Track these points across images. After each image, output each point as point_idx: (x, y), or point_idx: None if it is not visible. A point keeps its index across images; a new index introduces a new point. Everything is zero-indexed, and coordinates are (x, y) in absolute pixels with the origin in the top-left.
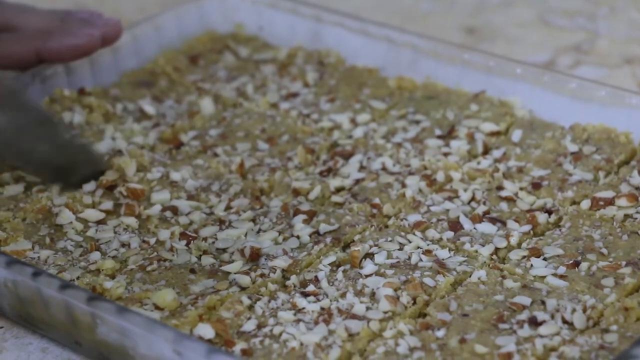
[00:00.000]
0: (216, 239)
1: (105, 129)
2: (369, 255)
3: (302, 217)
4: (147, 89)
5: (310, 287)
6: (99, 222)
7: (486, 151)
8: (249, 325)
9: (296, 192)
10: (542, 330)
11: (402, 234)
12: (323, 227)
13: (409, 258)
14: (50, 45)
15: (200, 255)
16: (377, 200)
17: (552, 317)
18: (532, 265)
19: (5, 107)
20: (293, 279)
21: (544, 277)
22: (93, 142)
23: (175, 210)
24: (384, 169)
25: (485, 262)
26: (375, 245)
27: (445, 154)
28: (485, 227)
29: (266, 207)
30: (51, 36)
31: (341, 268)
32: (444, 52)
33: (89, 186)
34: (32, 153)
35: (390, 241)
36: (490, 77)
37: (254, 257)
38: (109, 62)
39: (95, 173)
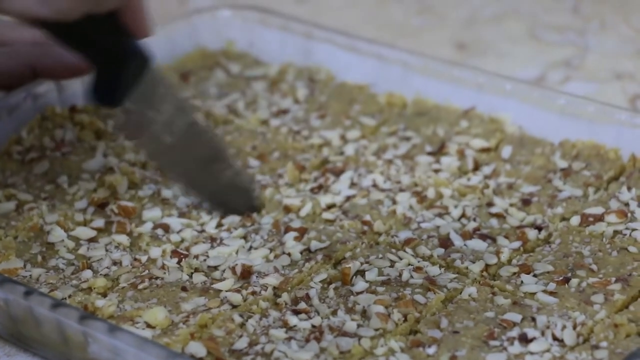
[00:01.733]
0: (207, 256)
1: (97, 146)
2: (360, 273)
3: (293, 234)
4: None
5: (302, 305)
6: (91, 240)
7: (476, 167)
8: (241, 343)
9: (287, 209)
10: (532, 347)
11: (393, 250)
12: (314, 244)
13: (400, 275)
14: (46, 61)
15: (192, 273)
16: (368, 217)
17: (543, 333)
18: (522, 281)
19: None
20: (284, 297)
21: (534, 293)
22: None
23: (166, 228)
24: (374, 185)
25: (475, 279)
26: (366, 262)
27: (436, 171)
28: (476, 244)
29: (257, 224)
30: (47, 53)
31: (332, 285)
32: (434, 69)
33: (81, 204)
34: (196, 182)
35: (381, 258)
36: (480, 93)
37: (245, 274)
38: None
39: (248, 209)
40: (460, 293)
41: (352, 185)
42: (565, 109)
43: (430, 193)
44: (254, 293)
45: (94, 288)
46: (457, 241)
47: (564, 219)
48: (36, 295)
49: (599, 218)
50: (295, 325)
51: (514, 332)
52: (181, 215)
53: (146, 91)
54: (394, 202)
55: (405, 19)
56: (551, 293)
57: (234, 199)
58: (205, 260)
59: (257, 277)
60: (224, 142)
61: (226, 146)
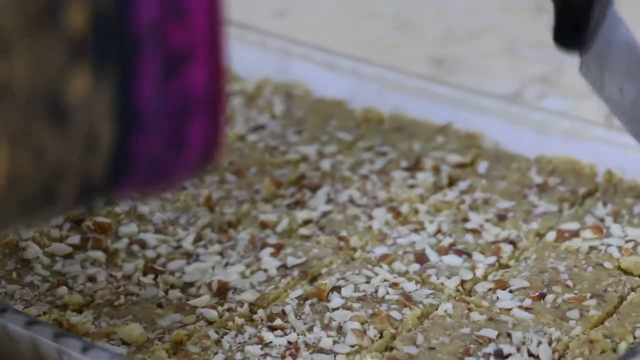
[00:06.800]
0: (183, 272)
1: None
2: (336, 289)
3: (269, 250)
4: None
5: (278, 321)
6: (66, 257)
7: (452, 183)
8: None
9: (263, 225)
10: None
11: (369, 266)
12: (290, 260)
13: (376, 291)
14: None
15: (168, 290)
16: (344, 233)
17: (518, 350)
18: (498, 297)
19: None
20: (260, 313)
21: (510, 309)
22: None
23: (142, 244)
24: (351, 201)
25: (451, 295)
26: (342, 279)
27: (411, 186)
28: (451, 259)
29: (234, 240)
30: None
31: (308, 301)
32: (411, 85)
33: (57, 220)
34: None
35: (357, 274)
36: (457, 109)
37: (222, 291)
38: None
39: None
40: (436, 309)
41: (329, 200)
42: (541, 125)
43: (406, 208)
44: (230, 309)
45: (70, 305)
46: (433, 257)
47: (539, 234)
48: (10, 312)
49: (575, 234)
50: (271, 342)
51: (490, 348)
52: (157, 231)
53: (608, 32)
54: (370, 218)
55: (383, 35)
56: (527, 309)
57: None
58: (181, 276)
59: (233, 293)
60: None
61: None
